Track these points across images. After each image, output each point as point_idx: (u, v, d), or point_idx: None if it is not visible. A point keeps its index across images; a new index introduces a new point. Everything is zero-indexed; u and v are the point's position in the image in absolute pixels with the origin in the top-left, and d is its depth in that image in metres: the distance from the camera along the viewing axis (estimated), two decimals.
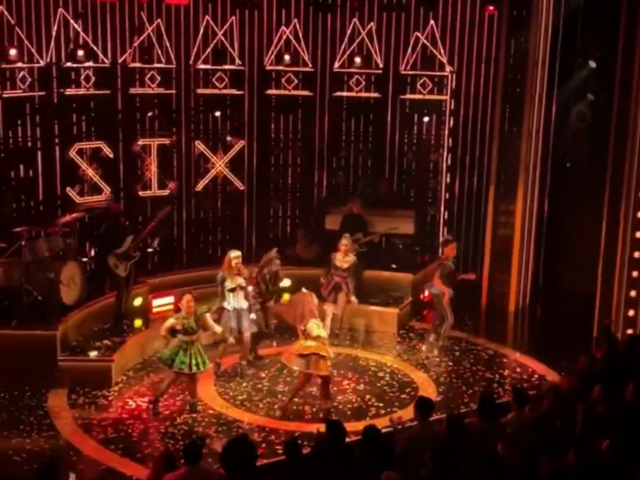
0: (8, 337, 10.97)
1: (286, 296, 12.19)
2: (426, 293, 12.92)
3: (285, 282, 12.13)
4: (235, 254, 11.19)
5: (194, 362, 10.01)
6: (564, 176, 13.43)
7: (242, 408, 10.41)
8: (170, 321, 10.12)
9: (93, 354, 11.17)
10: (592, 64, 12.86)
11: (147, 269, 13.54)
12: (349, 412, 10.30)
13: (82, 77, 13.27)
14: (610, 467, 6.35)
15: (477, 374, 11.60)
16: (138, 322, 12.04)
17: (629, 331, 11.88)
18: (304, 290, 10.79)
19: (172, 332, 10.08)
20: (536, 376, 11.34)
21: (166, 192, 14.20)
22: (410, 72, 14.49)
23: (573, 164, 13.40)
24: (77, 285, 11.87)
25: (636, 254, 11.92)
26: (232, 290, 11.09)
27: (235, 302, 11.11)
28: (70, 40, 13.14)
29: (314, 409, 10.37)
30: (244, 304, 11.19)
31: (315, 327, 10.11)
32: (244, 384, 11.01)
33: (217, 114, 14.48)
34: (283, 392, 10.84)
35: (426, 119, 14.62)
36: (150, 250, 13.87)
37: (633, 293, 11.94)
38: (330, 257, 12.39)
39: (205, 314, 10.79)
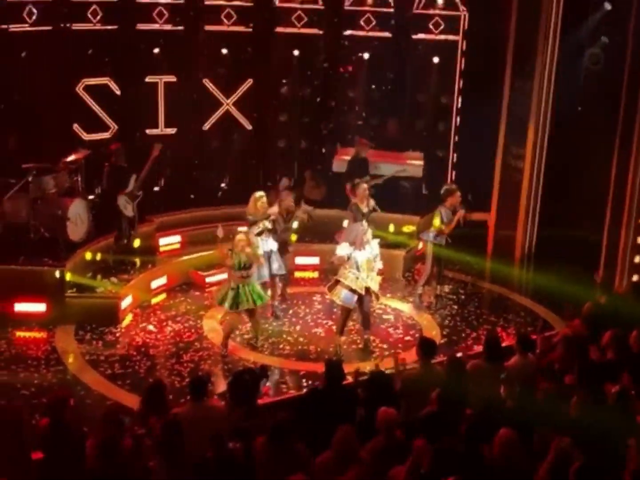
0: (15, 273, 11.01)
1: (293, 237, 12.15)
2: (420, 246, 12.72)
3: (294, 224, 12.01)
4: (260, 194, 10.99)
5: (250, 298, 10.01)
6: (576, 119, 13.27)
7: (248, 347, 10.50)
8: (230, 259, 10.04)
9: (100, 290, 11.24)
10: (607, 6, 12.62)
11: (152, 207, 13.44)
12: (353, 353, 10.38)
13: (90, 12, 13.07)
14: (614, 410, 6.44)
15: (482, 317, 11.66)
16: (138, 262, 12.08)
17: (635, 278, 11.88)
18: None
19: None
20: (540, 321, 11.38)
21: (173, 131, 14.09)
22: (422, 12, 14.24)
23: (584, 106, 13.23)
24: (84, 222, 11.88)
25: None
26: (260, 233, 10.92)
27: (264, 245, 10.94)
28: None
29: (319, 349, 10.46)
30: (274, 246, 11.06)
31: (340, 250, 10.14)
32: (249, 324, 11.07)
33: (224, 51, 14.28)
34: (288, 331, 10.93)
35: (437, 59, 14.40)
36: (156, 189, 13.82)
37: None
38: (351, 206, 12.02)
39: (256, 249, 10.48)
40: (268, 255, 10.97)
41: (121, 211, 11.96)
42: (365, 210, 11.75)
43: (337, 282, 10.20)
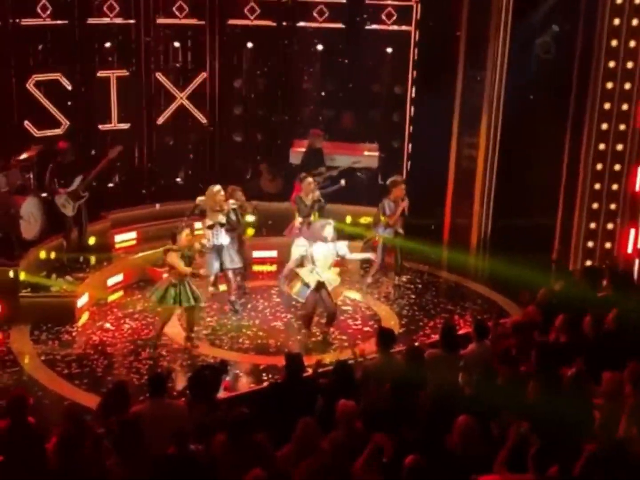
0: None
1: (250, 231, 12.13)
2: (377, 237, 12.70)
3: (249, 218, 12.00)
4: (218, 188, 10.94)
5: (186, 296, 9.93)
6: (527, 108, 13.39)
7: (207, 342, 10.46)
8: (173, 255, 9.98)
9: (55, 289, 11.10)
10: None
11: (107, 204, 13.30)
12: (311, 346, 10.39)
13: (39, 6, 12.87)
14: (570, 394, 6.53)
15: (439, 306, 11.75)
16: (92, 259, 11.98)
17: (588, 262, 12.05)
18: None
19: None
20: (496, 308, 11.50)
21: (127, 126, 13.95)
22: (375, 2, 14.27)
23: (536, 95, 13.36)
24: (37, 220, 11.72)
25: (596, 186, 12.02)
26: (211, 227, 10.88)
27: (215, 239, 10.90)
28: None
29: (278, 343, 10.46)
30: (225, 240, 11.02)
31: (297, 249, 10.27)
32: (208, 319, 11.04)
33: (177, 44, 14.18)
34: (247, 326, 10.91)
35: (390, 50, 14.44)
36: (110, 185, 13.68)
37: (593, 225, 12.08)
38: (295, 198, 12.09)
39: (199, 246, 10.39)
40: (218, 249, 10.92)
41: (61, 211, 11.79)
42: (308, 202, 11.78)
43: (296, 275, 10.25)
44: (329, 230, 10.16)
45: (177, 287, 9.93)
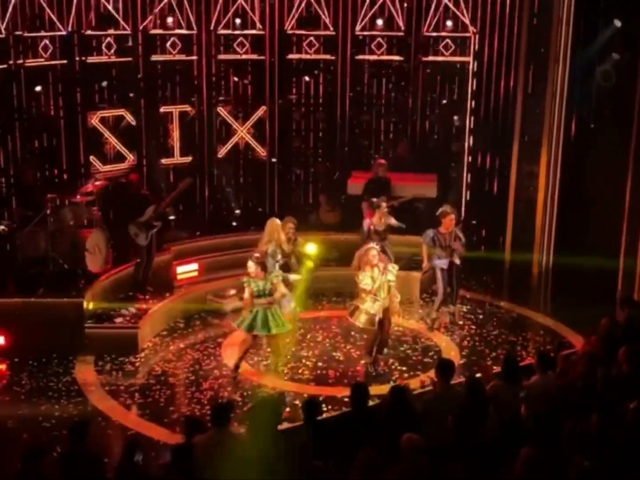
0: (35, 306, 11.06)
1: (309, 264, 12.07)
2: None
3: (309, 249, 11.99)
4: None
5: (267, 325, 10.02)
6: (588, 137, 13.27)
7: (266, 373, 10.51)
8: (249, 289, 10.10)
9: (119, 320, 11.30)
10: (617, 23, 12.63)
11: (168, 236, 13.53)
12: (374, 374, 10.38)
13: (104, 44, 13.25)
14: (632, 428, 6.37)
15: (501, 337, 11.62)
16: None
17: None
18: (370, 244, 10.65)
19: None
20: (560, 339, 11.32)
21: (188, 160, 14.21)
22: (432, 34, 14.35)
23: (597, 124, 13.23)
24: (102, 252, 11.96)
25: None
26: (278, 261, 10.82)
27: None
28: (92, 7, 13.12)
29: (338, 374, 10.46)
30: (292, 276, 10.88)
31: (364, 280, 10.15)
32: (268, 349, 11.06)
33: (236, 79, 14.45)
34: (307, 356, 10.93)
35: (448, 81, 14.49)
36: (171, 218, 13.90)
37: None
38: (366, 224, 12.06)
39: (275, 276, 10.32)
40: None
41: (135, 241, 11.99)
42: (380, 229, 11.82)
43: (357, 307, 10.26)
44: (373, 253, 10.20)
45: (255, 313, 10.05)
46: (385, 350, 10.70)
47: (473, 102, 14.44)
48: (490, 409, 7.22)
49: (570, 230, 13.41)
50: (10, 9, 12.24)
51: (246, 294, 10.17)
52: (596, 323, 8.90)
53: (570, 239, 13.31)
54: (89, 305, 11.23)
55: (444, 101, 14.75)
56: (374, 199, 12.55)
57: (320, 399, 9.56)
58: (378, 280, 10.14)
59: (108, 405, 9.71)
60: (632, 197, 12.06)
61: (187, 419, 7.44)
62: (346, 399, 9.08)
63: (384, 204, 12.13)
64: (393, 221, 12.13)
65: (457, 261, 11.60)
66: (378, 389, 9.52)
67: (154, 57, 13.80)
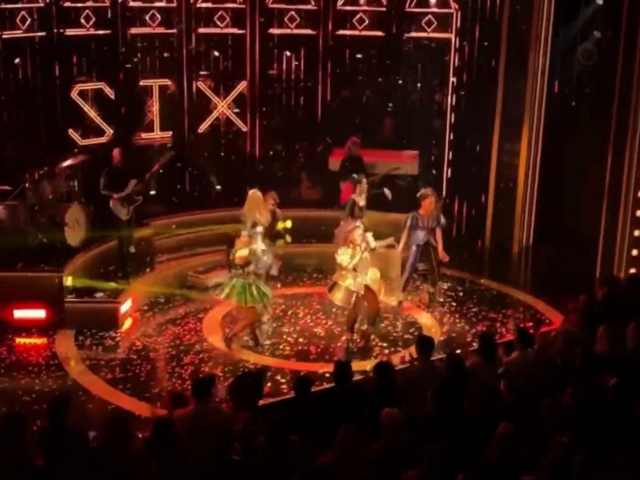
0: (15, 279, 11.03)
1: (281, 243, 11.98)
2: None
3: (287, 223, 11.95)
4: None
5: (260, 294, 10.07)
6: (569, 115, 13.31)
7: (248, 348, 10.52)
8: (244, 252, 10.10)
9: (99, 295, 11.26)
10: (599, 1, 12.64)
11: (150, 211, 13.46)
12: (354, 350, 10.44)
13: (82, 17, 13.09)
14: (611, 405, 6.44)
15: (480, 313, 11.69)
16: (113, 284, 11.71)
17: (632, 270, 11.90)
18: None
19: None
20: (539, 316, 11.42)
21: (169, 134, 14.12)
22: (415, 10, 14.29)
23: (578, 102, 13.28)
24: (82, 227, 11.89)
25: None
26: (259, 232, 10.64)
27: (262, 244, 10.61)
28: None
29: (319, 349, 10.50)
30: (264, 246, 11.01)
31: (342, 256, 10.19)
32: None
33: (217, 53, 14.34)
34: (288, 332, 10.95)
35: (430, 58, 14.48)
36: (153, 192, 13.82)
37: (637, 232, 11.93)
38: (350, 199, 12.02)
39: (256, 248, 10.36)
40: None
41: (116, 215, 11.89)
42: (362, 204, 11.83)
43: (336, 283, 10.29)
44: (358, 233, 10.24)
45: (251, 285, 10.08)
46: (378, 322, 10.74)
47: (455, 79, 14.42)
48: (469, 384, 7.29)
49: (551, 209, 13.49)
50: None
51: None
52: (575, 300, 8.97)
53: (551, 218, 13.39)
54: (68, 279, 11.17)
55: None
56: (355, 175, 12.51)
57: (301, 374, 9.64)
58: (356, 258, 10.18)
59: (88, 379, 9.68)
60: (612, 175, 12.13)
61: (170, 393, 7.45)
62: (327, 375, 9.16)
63: (364, 180, 12.13)
64: (387, 191, 12.20)
65: (434, 242, 11.58)
66: (359, 365, 9.60)
67: (133, 30, 13.64)
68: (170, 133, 14.18)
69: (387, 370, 7.45)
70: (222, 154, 14.87)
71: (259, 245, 10.35)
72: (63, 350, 10.35)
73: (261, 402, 7.67)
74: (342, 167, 13.61)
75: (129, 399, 9.19)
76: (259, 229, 10.51)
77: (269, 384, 9.36)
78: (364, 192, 11.94)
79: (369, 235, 10.47)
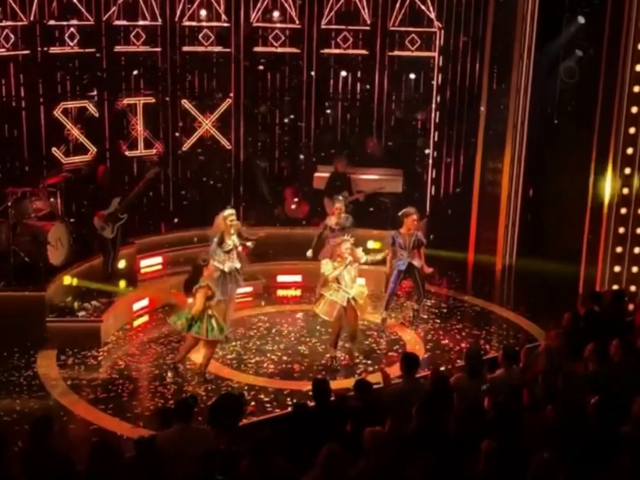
0: None
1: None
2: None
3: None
4: (229, 212, 10.82)
5: (211, 327, 9.85)
6: (552, 133, 13.40)
7: (232, 367, 10.47)
8: (202, 293, 9.81)
9: (81, 314, 11.19)
10: (581, 20, 12.76)
11: (134, 229, 13.43)
12: (338, 368, 10.42)
13: (67, 35, 13.08)
14: (594, 423, 6.44)
15: (464, 331, 11.70)
16: (122, 284, 11.98)
17: (615, 287, 11.94)
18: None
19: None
20: (522, 333, 11.43)
21: (153, 152, 14.09)
22: (398, 29, 14.38)
23: (561, 120, 13.36)
24: (64, 246, 11.82)
25: (623, 211, 11.93)
26: (229, 251, 10.78)
27: (230, 263, 10.78)
28: None
29: (303, 367, 10.46)
30: (237, 264, 10.97)
31: (325, 266, 10.28)
32: (233, 343, 11.05)
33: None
34: (272, 350, 10.91)
35: (413, 76, 14.55)
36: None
37: (619, 249, 11.99)
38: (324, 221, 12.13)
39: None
40: (230, 273, 10.81)
41: (100, 233, 11.83)
42: (334, 225, 11.89)
43: (322, 296, 10.32)
44: (346, 246, 10.25)
45: (212, 318, 9.89)
46: (355, 340, 10.68)
47: (438, 97, 14.50)
48: (453, 401, 7.27)
49: (534, 227, 13.55)
50: None
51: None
52: (558, 317, 8.99)
53: (533, 236, 13.45)
54: (50, 299, 11.10)
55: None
56: (336, 196, 12.50)
57: (285, 392, 9.61)
58: (339, 269, 10.20)
59: (70, 399, 9.59)
60: (594, 192, 12.19)
61: (159, 410, 7.38)
62: (311, 393, 9.11)
63: (340, 201, 12.10)
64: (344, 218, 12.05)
65: (416, 263, 11.55)
66: (342, 383, 9.57)
67: (118, 48, 13.64)
68: (154, 151, 14.13)
69: (365, 388, 7.42)
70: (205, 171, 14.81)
71: (226, 265, 10.37)
72: (45, 370, 10.26)
73: (244, 421, 7.64)
74: (329, 184, 13.64)
75: (110, 419, 9.11)
76: (226, 247, 10.55)
77: (252, 403, 9.33)
78: (340, 212, 11.93)
79: (359, 250, 10.49)
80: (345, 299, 10.28)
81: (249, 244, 11.14)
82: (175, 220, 14.07)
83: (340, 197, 12.34)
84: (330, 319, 10.42)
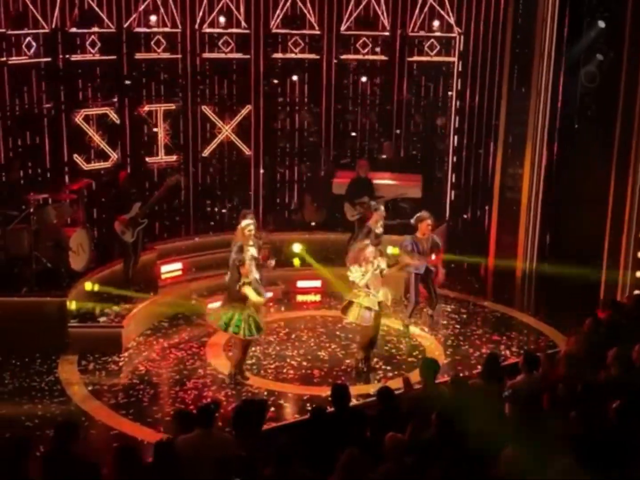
0: (18, 305, 11.02)
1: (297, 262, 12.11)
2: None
3: (295, 247, 12.01)
4: (247, 222, 10.48)
5: (249, 326, 9.89)
6: (572, 138, 13.33)
7: (252, 372, 10.48)
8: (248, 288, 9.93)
9: (103, 320, 11.26)
10: (601, 24, 12.70)
11: (155, 235, 13.54)
12: (365, 370, 10.42)
13: (88, 42, 13.18)
14: (615, 428, 6.40)
15: (484, 336, 11.65)
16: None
17: (636, 292, 11.85)
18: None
19: None
20: (543, 338, 11.37)
21: (173, 158, 14.17)
22: (417, 34, 14.37)
23: (581, 124, 13.30)
24: (86, 251, 11.91)
25: None
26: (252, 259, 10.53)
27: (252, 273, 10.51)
28: (75, 5, 13.05)
29: (323, 373, 10.46)
30: (257, 275, 10.83)
31: (354, 274, 10.20)
32: (253, 349, 11.07)
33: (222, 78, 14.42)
34: (292, 355, 10.93)
35: (433, 81, 14.55)
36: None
37: None
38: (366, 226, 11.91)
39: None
40: (257, 285, 10.52)
41: (121, 238, 11.92)
42: (379, 231, 11.76)
43: (351, 303, 10.27)
44: (370, 250, 10.24)
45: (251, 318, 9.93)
46: (375, 345, 10.65)
47: (457, 103, 14.48)
48: (471, 406, 7.24)
49: (555, 231, 13.47)
50: None
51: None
52: (579, 323, 8.94)
53: (554, 241, 13.37)
54: (72, 304, 11.17)
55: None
56: (372, 202, 12.48)
57: (305, 398, 9.62)
58: (368, 275, 10.16)
59: (91, 405, 9.65)
60: (615, 197, 12.12)
61: (178, 413, 7.39)
62: (330, 399, 9.11)
63: (382, 207, 12.06)
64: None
65: (433, 268, 11.51)
66: (363, 389, 9.57)
67: (138, 55, 13.73)
68: (174, 157, 14.20)
69: (388, 395, 7.41)
70: (226, 178, 14.87)
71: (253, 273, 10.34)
72: (66, 376, 10.33)
73: (265, 426, 7.64)
74: (350, 189, 13.63)
75: (131, 425, 9.15)
76: (248, 254, 10.38)
77: (272, 409, 9.33)
78: (381, 220, 11.86)
79: (383, 260, 10.46)
80: (376, 303, 10.25)
81: (271, 264, 10.94)
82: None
83: (375, 204, 12.27)
84: (364, 324, 10.33)
